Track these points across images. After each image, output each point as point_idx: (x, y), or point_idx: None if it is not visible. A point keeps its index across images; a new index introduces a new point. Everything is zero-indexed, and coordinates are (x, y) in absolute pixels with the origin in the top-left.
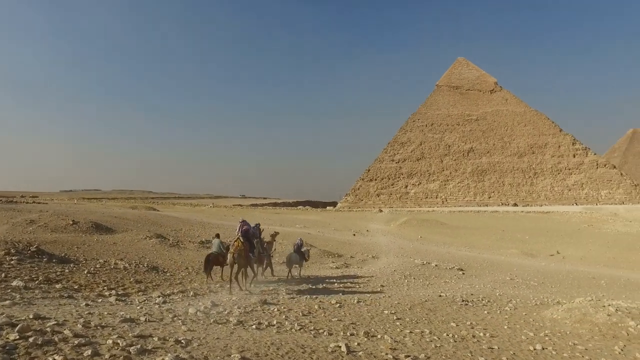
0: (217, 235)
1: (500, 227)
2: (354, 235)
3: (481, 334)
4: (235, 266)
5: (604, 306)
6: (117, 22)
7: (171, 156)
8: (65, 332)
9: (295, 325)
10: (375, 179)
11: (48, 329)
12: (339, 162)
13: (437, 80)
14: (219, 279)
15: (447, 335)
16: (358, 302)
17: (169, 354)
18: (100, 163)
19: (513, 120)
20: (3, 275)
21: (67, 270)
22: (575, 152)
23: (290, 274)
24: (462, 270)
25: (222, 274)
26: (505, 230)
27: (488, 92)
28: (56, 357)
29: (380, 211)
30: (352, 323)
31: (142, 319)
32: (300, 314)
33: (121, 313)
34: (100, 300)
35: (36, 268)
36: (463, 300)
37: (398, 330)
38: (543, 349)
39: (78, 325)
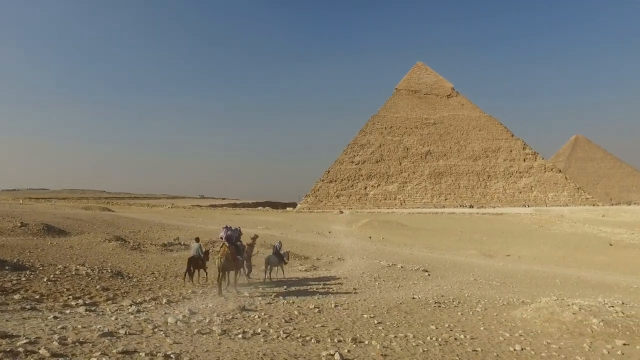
0: (197, 239)
1: (458, 229)
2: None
3: (462, 336)
4: (223, 271)
5: (569, 305)
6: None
7: (124, 154)
8: (40, 351)
9: (281, 332)
10: (335, 181)
11: (20, 349)
12: (298, 163)
13: (397, 84)
14: (191, 283)
15: (431, 338)
16: (336, 306)
17: None
18: (45, 160)
19: (468, 124)
20: None
21: (23, 278)
22: (525, 156)
23: (269, 277)
24: (427, 271)
25: (200, 278)
26: (463, 232)
27: (445, 97)
28: None
29: (341, 212)
30: (336, 329)
31: (122, 332)
32: (283, 320)
33: (98, 326)
34: (68, 311)
35: None
36: (436, 302)
37: (382, 335)
38: (522, 349)
39: (53, 342)
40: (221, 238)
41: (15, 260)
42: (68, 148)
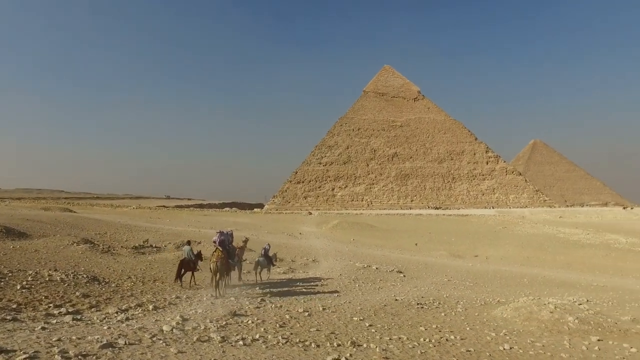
0: (188, 242)
1: (426, 230)
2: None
3: (452, 337)
4: (218, 274)
5: (545, 304)
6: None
7: (84, 152)
8: None
9: (280, 338)
10: (303, 182)
11: None
12: (262, 164)
13: (365, 86)
14: (180, 286)
15: (424, 340)
16: (324, 309)
17: None
18: None
19: (434, 127)
20: None
21: None
22: (488, 159)
23: (260, 278)
24: (401, 272)
25: (191, 281)
26: (432, 233)
27: (412, 100)
28: None
29: (310, 214)
30: (332, 332)
31: (121, 342)
32: (277, 325)
33: (95, 337)
34: (54, 321)
35: None
36: (418, 304)
37: (377, 337)
38: (511, 348)
39: (55, 356)
40: (214, 242)
41: None
42: (22, 146)
